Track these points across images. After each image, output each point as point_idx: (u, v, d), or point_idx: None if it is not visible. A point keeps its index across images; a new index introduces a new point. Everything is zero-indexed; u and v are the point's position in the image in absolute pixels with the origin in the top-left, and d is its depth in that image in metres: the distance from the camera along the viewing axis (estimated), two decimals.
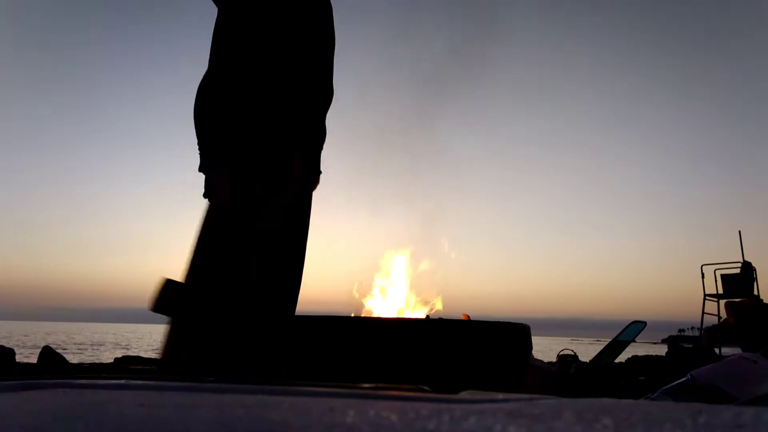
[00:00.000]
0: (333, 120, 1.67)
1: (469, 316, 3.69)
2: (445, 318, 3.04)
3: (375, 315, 3.11)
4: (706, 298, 8.12)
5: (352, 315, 3.47)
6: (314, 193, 1.70)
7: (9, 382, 0.53)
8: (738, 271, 7.99)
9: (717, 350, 6.22)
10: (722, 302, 7.14)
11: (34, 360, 7.10)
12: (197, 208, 1.66)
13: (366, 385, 0.60)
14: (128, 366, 7.53)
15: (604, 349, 6.35)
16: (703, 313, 8.13)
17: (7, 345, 7.26)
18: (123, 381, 0.58)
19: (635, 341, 6.74)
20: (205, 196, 1.60)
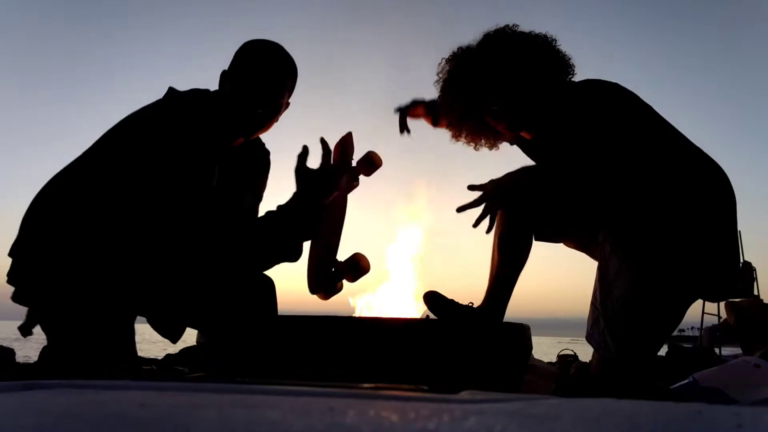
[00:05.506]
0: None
1: None
2: None
3: (375, 315, 3.11)
4: None
5: (353, 314, 3.47)
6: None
7: (9, 382, 0.53)
8: None
9: (717, 350, 6.20)
10: (722, 302, 7.13)
11: (34, 360, 7.07)
12: None
13: (366, 385, 0.60)
14: (128, 366, 7.51)
15: None
16: (703, 313, 8.12)
17: (7, 345, 7.23)
18: (123, 381, 0.59)
19: None
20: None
